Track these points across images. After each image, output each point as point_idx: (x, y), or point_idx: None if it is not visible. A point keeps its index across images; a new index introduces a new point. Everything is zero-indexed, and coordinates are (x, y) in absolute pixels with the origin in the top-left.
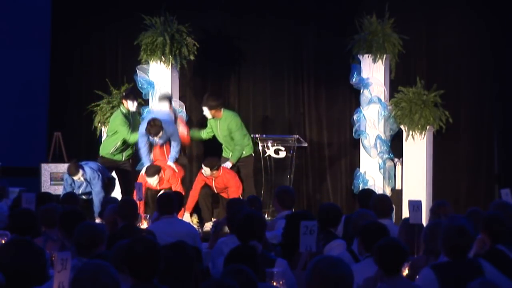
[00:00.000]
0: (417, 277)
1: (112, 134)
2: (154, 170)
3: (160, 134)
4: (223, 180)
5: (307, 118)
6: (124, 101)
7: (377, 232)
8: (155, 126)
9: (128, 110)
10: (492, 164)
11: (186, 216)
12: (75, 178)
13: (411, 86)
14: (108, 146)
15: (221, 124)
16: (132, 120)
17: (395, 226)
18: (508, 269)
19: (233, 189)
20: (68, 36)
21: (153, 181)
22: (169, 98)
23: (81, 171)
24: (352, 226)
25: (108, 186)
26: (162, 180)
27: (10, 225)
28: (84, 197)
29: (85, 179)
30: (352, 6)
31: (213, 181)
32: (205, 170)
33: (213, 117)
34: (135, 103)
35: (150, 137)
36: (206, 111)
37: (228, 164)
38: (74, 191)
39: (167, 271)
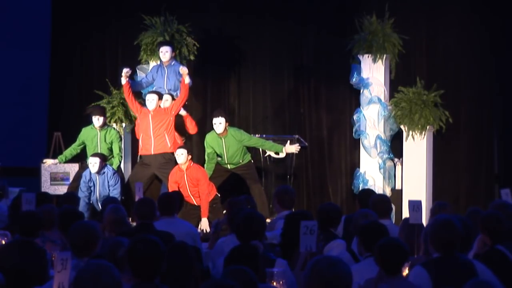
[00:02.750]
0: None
1: None
2: (158, 92)
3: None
4: (195, 173)
5: (307, 118)
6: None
7: (377, 232)
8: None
9: (93, 125)
10: (492, 164)
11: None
12: (96, 161)
13: (411, 86)
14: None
15: (228, 140)
16: (100, 138)
17: (395, 226)
18: (507, 269)
19: (203, 182)
20: (68, 36)
21: (151, 99)
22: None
23: (102, 159)
24: (353, 226)
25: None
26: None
27: (15, 226)
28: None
29: (106, 174)
30: (352, 6)
31: (185, 176)
32: (182, 153)
33: (221, 134)
34: (100, 119)
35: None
36: (221, 122)
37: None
38: (91, 197)
39: (168, 271)
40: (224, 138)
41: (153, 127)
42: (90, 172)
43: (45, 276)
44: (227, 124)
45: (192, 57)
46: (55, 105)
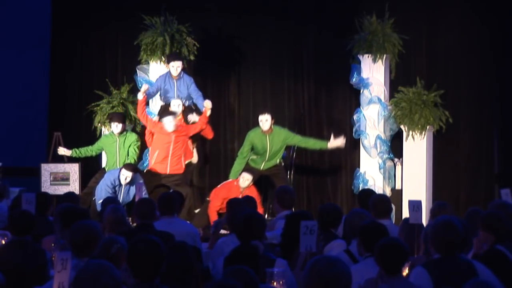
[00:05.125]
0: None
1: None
2: (174, 112)
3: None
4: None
5: (307, 118)
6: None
7: (377, 232)
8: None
9: (112, 132)
10: (492, 164)
11: None
12: (129, 175)
13: (411, 86)
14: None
15: (273, 138)
16: (119, 144)
17: (395, 226)
18: (507, 269)
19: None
20: (68, 36)
21: (168, 122)
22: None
23: (135, 173)
24: (348, 227)
25: None
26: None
27: (10, 226)
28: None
29: (132, 182)
30: (352, 6)
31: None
32: (247, 179)
33: (267, 131)
34: (119, 126)
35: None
36: (267, 120)
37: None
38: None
39: (168, 271)
40: (268, 135)
41: (173, 148)
42: (119, 178)
43: (45, 276)
44: (273, 121)
45: (192, 57)
46: (55, 105)
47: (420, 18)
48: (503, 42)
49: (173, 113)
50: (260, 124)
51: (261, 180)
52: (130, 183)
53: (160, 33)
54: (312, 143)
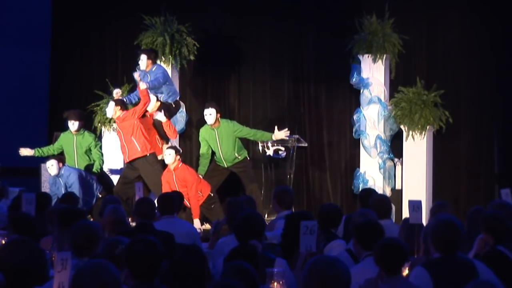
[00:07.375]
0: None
1: None
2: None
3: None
4: (183, 173)
5: (307, 118)
6: None
7: (373, 231)
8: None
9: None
10: (492, 164)
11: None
12: (53, 164)
13: (411, 86)
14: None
15: (221, 131)
16: (76, 142)
17: (396, 225)
18: (507, 270)
19: (191, 183)
20: (68, 36)
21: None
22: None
23: (56, 161)
24: (351, 226)
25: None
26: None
27: (9, 226)
28: None
29: (65, 176)
30: (352, 6)
31: (174, 176)
32: (170, 153)
33: (213, 125)
34: (75, 123)
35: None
36: (212, 114)
37: None
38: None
39: (178, 274)
40: (216, 129)
41: (123, 135)
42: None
43: (44, 275)
44: (218, 115)
45: (192, 57)
46: (55, 105)
47: (420, 18)
48: (503, 42)
49: (114, 100)
50: (205, 118)
51: (232, 178)
52: (58, 175)
53: (160, 33)
54: (259, 135)
